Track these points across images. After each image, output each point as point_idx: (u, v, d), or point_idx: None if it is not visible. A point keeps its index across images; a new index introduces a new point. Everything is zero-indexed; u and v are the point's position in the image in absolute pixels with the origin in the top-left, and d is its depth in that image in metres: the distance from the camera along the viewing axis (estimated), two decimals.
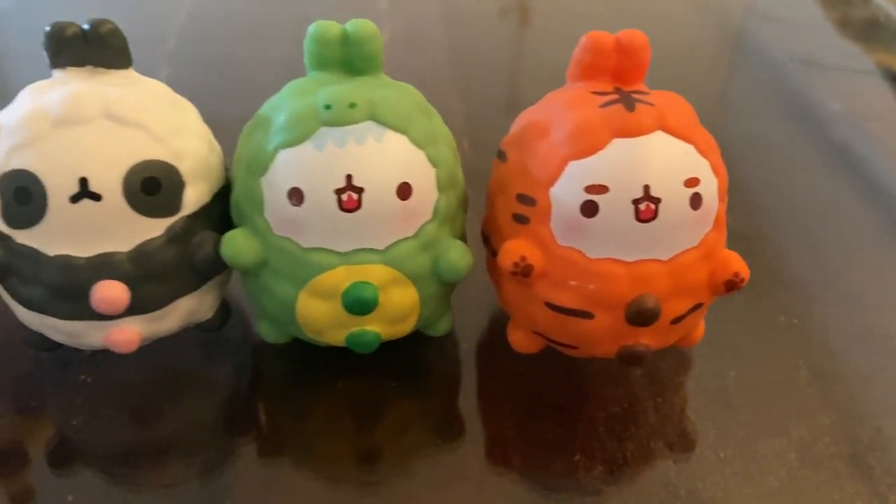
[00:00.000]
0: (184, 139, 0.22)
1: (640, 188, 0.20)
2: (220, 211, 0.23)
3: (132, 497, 0.22)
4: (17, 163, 0.21)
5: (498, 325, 0.28)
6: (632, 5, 0.54)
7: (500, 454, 0.24)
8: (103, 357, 0.25)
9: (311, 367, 0.26)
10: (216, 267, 0.22)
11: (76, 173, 0.20)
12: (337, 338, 0.23)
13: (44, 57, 0.22)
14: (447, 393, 0.26)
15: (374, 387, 0.25)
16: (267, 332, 0.24)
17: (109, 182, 0.21)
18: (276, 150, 0.21)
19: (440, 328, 0.25)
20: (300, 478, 0.23)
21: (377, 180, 0.21)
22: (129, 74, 0.23)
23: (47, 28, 0.22)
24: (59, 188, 0.20)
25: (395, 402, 0.25)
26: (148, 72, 0.24)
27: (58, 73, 0.22)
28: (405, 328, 0.23)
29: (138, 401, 0.25)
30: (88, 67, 0.23)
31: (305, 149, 0.21)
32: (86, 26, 0.22)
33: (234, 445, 0.24)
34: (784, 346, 0.28)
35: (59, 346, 0.24)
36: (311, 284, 0.22)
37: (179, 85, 0.24)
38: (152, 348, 0.24)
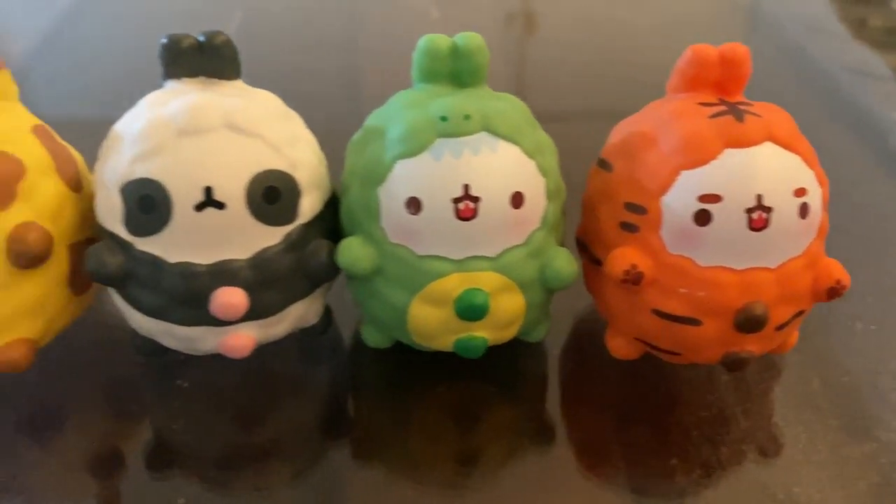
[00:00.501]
0: (298, 149, 0.22)
1: (754, 197, 0.21)
2: (330, 219, 0.24)
3: (232, 501, 0.22)
4: (142, 171, 0.21)
5: (583, 331, 0.28)
6: (639, 12, 0.55)
7: (595, 459, 0.24)
8: (198, 362, 0.25)
9: (409, 371, 0.26)
10: (329, 274, 0.23)
11: (201, 182, 0.21)
12: (445, 343, 0.23)
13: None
14: (541, 398, 0.26)
15: (469, 391, 0.26)
16: (370, 337, 0.25)
17: (233, 191, 0.21)
18: (393, 161, 0.21)
19: (537, 334, 0.25)
20: (395, 481, 0.23)
21: (493, 190, 0.21)
22: (239, 84, 0.24)
23: (164, 40, 0.23)
24: (184, 197, 0.21)
25: (490, 407, 0.26)
26: None
27: (171, 84, 0.23)
28: (509, 334, 0.24)
29: (237, 405, 0.25)
30: (201, 78, 0.23)
31: (423, 159, 0.21)
32: (201, 38, 0.23)
33: (330, 449, 0.24)
34: (864, 352, 0.28)
35: (166, 352, 0.24)
36: (425, 291, 0.22)
37: None
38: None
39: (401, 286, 0.22)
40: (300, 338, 0.25)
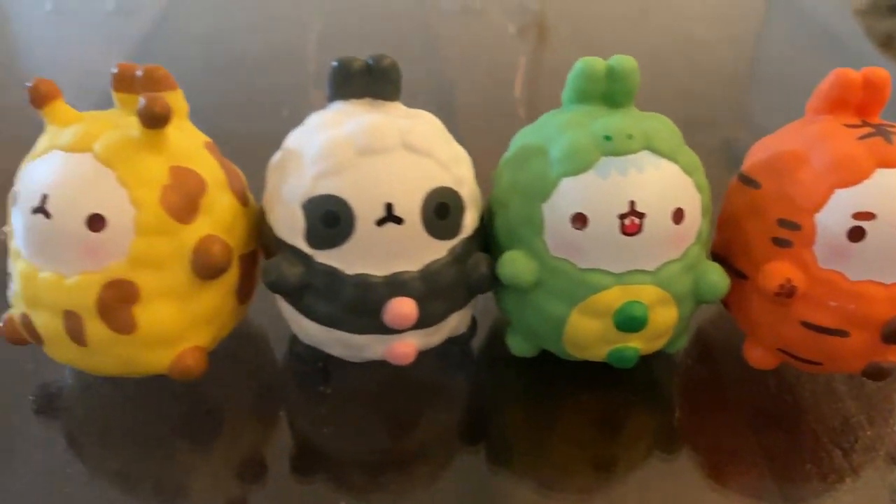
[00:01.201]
0: (461, 167, 0.24)
1: None
2: (483, 234, 0.25)
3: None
4: (326, 188, 0.22)
5: (710, 340, 0.29)
6: (648, 21, 0.56)
7: (736, 464, 0.25)
8: (337, 369, 0.27)
9: (548, 379, 0.27)
10: (488, 285, 0.24)
11: (383, 199, 0.22)
12: (598, 354, 0.24)
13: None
14: (674, 405, 0.27)
15: (606, 399, 0.27)
16: (517, 346, 0.26)
17: (411, 207, 0.22)
18: (558, 178, 0.23)
19: (678, 345, 0.26)
20: (533, 487, 0.24)
21: (657, 206, 0.22)
22: (399, 105, 0.25)
23: (335, 63, 0.24)
24: (367, 212, 0.22)
25: (627, 415, 0.27)
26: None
27: (338, 105, 0.24)
28: (659, 345, 0.25)
29: (380, 411, 0.26)
30: (367, 99, 0.24)
31: (589, 177, 0.22)
32: (369, 61, 0.24)
33: (469, 454, 0.25)
34: None
35: (326, 359, 0.25)
36: (586, 303, 0.23)
37: None
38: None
39: (561, 298, 0.23)
40: (443, 346, 0.26)
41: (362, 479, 0.24)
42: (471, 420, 0.27)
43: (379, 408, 0.27)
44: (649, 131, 0.23)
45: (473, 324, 0.26)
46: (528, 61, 0.50)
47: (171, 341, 0.23)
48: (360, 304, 0.23)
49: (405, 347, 0.24)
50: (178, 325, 0.23)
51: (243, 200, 0.25)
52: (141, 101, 0.21)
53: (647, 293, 0.23)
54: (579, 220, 0.22)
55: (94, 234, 0.22)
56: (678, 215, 0.23)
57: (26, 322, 0.23)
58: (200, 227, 0.23)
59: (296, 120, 0.25)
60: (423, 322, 0.23)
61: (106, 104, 0.24)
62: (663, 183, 0.23)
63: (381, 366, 0.25)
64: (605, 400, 0.27)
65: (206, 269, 0.23)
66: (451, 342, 0.26)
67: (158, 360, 0.23)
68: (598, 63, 0.24)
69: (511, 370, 0.28)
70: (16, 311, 0.24)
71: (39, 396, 0.26)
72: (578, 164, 0.22)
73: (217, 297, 0.24)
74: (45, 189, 0.22)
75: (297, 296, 0.23)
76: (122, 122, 0.23)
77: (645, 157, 0.23)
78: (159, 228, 0.22)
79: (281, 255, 0.23)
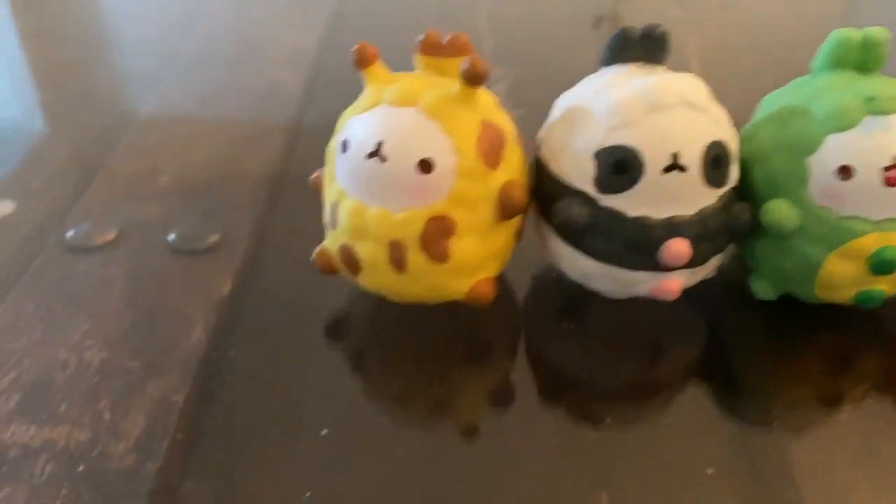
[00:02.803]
0: (728, 124, 0.27)
1: None
2: (739, 185, 0.28)
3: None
4: (618, 139, 0.25)
5: None
6: (725, 10, 0.57)
7: None
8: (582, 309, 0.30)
9: (786, 320, 0.30)
10: (748, 231, 0.27)
11: (670, 149, 0.25)
12: (844, 296, 0.27)
13: None
14: None
15: (842, 340, 0.29)
16: (762, 289, 0.29)
17: (693, 157, 0.25)
18: (825, 135, 0.25)
19: None
20: (763, 425, 0.26)
21: None
22: (665, 69, 0.28)
23: (616, 31, 0.27)
24: (655, 161, 0.25)
25: (857, 358, 0.29)
26: None
27: (616, 68, 0.27)
28: None
29: (623, 346, 0.29)
30: (640, 63, 0.27)
31: (854, 133, 0.25)
32: (644, 30, 0.27)
33: (703, 394, 0.27)
34: None
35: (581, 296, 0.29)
36: (843, 248, 0.26)
37: None
38: (622, 301, 0.29)
39: (820, 243, 0.26)
40: (690, 286, 0.29)
41: (609, 407, 0.27)
42: (709, 356, 0.29)
43: (622, 342, 0.29)
44: None
45: (719, 267, 0.29)
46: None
47: (472, 271, 0.27)
48: (640, 243, 0.26)
49: (673, 284, 0.27)
50: (479, 257, 0.27)
51: (523, 153, 0.28)
52: (464, 62, 0.25)
53: None
54: (844, 172, 0.25)
55: (422, 176, 0.25)
56: None
57: (347, 252, 0.27)
58: (503, 174, 0.26)
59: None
60: (692, 262, 0.26)
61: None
62: None
63: (621, 304, 0.29)
64: (836, 343, 0.29)
65: (508, 210, 0.26)
66: (702, 284, 0.29)
67: (460, 287, 0.27)
68: (853, 33, 0.26)
69: (747, 311, 0.30)
70: (332, 244, 0.28)
71: (330, 323, 0.30)
72: (845, 122, 0.25)
73: (507, 235, 0.27)
74: (380, 137, 0.25)
75: (579, 235, 0.27)
76: (434, 82, 0.26)
77: None
78: (474, 173, 0.26)
79: (570, 199, 0.26)
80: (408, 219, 0.26)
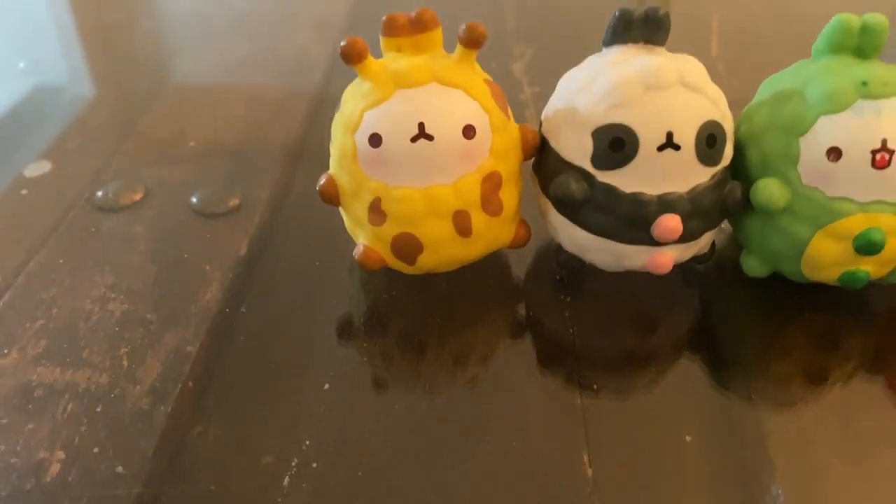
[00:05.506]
0: (724, 104, 0.27)
1: None
2: (731, 165, 0.28)
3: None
4: (616, 118, 0.26)
5: None
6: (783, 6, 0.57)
7: None
8: (579, 282, 0.31)
9: (774, 298, 0.31)
10: (740, 209, 0.28)
11: (665, 128, 0.26)
12: (831, 275, 0.28)
13: None
14: (891, 328, 0.30)
15: (828, 319, 0.30)
16: (752, 267, 0.30)
17: (687, 136, 0.26)
18: (817, 116, 0.26)
19: None
20: (744, 398, 0.27)
21: None
22: (665, 50, 0.29)
23: (617, 12, 0.28)
24: (650, 139, 0.26)
25: (841, 337, 0.30)
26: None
27: (617, 48, 0.28)
28: (886, 271, 0.28)
29: (619, 317, 0.30)
30: (640, 44, 0.28)
31: (846, 116, 0.26)
32: (645, 12, 0.28)
33: (696, 362, 0.28)
34: None
35: (583, 266, 0.30)
36: (830, 227, 0.27)
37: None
38: (617, 275, 0.30)
39: (807, 222, 0.27)
40: (685, 263, 0.30)
41: (598, 375, 0.28)
42: (699, 330, 0.30)
43: (616, 314, 0.31)
44: None
45: (713, 245, 0.30)
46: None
47: (515, 217, 0.29)
48: (634, 217, 0.27)
49: (665, 258, 0.28)
50: (518, 202, 0.29)
51: None
52: (462, 27, 0.26)
53: (886, 221, 0.26)
54: (834, 153, 0.26)
55: (469, 142, 0.27)
56: None
57: (405, 241, 0.27)
58: (513, 122, 0.28)
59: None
60: (684, 237, 0.27)
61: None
62: None
63: (617, 278, 0.30)
64: (822, 322, 0.30)
65: (529, 150, 0.29)
66: (693, 260, 0.30)
67: (509, 234, 0.29)
68: (853, 19, 0.27)
69: (737, 289, 0.31)
70: (379, 240, 0.28)
71: (337, 285, 0.32)
72: (837, 104, 0.26)
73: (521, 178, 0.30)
74: (419, 118, 0.26)
75: (577, 209, 0.28)
76: (428, 58, 0.27)
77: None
78: (502, 126, 0.28)
79: (568, 174, 0.28)
80: (467, 185, 0.27)
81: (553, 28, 0.53)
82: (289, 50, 0.51)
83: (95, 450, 0.25)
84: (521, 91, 0.45)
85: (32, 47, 0.53)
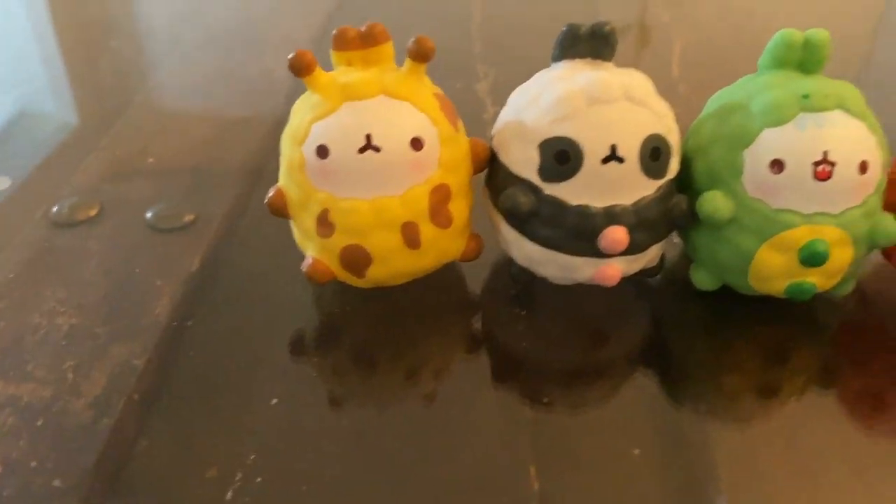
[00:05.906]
0: (669, 118, 0.28)
1: None
2: (678, 177, 0.29)
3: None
4: (560, 131, 0.27)
5: (867, 286, 0.32)
6: (758, 22, 0.58)
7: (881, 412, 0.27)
8: (532, 296, 0.31)
9: (722, 312, 0.31)
10: (687, 222, 0.28)
11: (609, 141, 0.26)
12: (778, 287, 0.28)
13: None
14: (836, 342, 0.30)
15: (773, 333, 0.30)
16: (701, 280, 0.30)
17: (631, 149, 0.26)
18: (761, 129, 0.26)
19: (846, 288, 0.30)
20: (695, 410, 0.27)
21: (847, 157, 0.26)
22: (612, 66, 0.29)
23: (564, 28, 0.28)
24: (594, 152, 0.26)
25: (792, 350, 0.30)
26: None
27: (564, 63, 0.29)
28: (833, 282, 0.28)
29: (570, 331, 0.30)
30: (588, 59, 0.28)
31: (788, 129, 0.26)
32: (592, 27, 0.28)
33: (645, 377, 0.28)
34: None
35: (533, 280, 0.30)
36: (775, 239, 0.27)
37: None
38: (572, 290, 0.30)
39: (752, 234, 0.27)
40: (634, 276, 0.30)
41: (549, 388, 0.28)
42: (649, 343, 0.30)
43: (570, 328, 0.31)
44: (842, 93, 0.26)
45: (662, 259, 0.30)
46: (629, 62, 0.53)
47: (465, 230, 0.29)
48: (581, 230, 0.27)
49: (612, 270, 0.28)
50: (469, 215, 0.29)
51: None
52: (412, 41, 0.26)
53: (830, 233, 0.27)
54: (777, 166, 0.26)
55: (416, 153, 0.27)
56: (863, 167, 0.26)
57: (353, 252, 0.27)
58: (463, 135, 0.29)
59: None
60: (631, 249, 0.28)
61: None
62: (853, 138, 0.26)
63: (571, 292, 0.30)
64: (772, 336, 0.30)
65: (479, 164, 0.29)
66: (642, 273, 0.30)
67: (459, 247, 0.29)
68: (796, 34, 0.27)
69: (688, 303, 0.31)
70: (327, 252, 0.28)
71: (286, 302, 0.31)
72: (779, 117, 0.26)
73: (472, 191, 0.30)
74: (366, 130, 0.26)
75: (525, 221, 0.28)
76: (377, 71, 0.27)
77: (837, 115, 0.26)
78: (451, 139, 0.28)
79: (516, 187, 0.28)
80: (415, 196, 0.27)
81: (517, 50, 0.53)
82: (254, 70, 0.51)
83: (33, 464, 0.25)
84: (485, 110, 0.45)
85: None
